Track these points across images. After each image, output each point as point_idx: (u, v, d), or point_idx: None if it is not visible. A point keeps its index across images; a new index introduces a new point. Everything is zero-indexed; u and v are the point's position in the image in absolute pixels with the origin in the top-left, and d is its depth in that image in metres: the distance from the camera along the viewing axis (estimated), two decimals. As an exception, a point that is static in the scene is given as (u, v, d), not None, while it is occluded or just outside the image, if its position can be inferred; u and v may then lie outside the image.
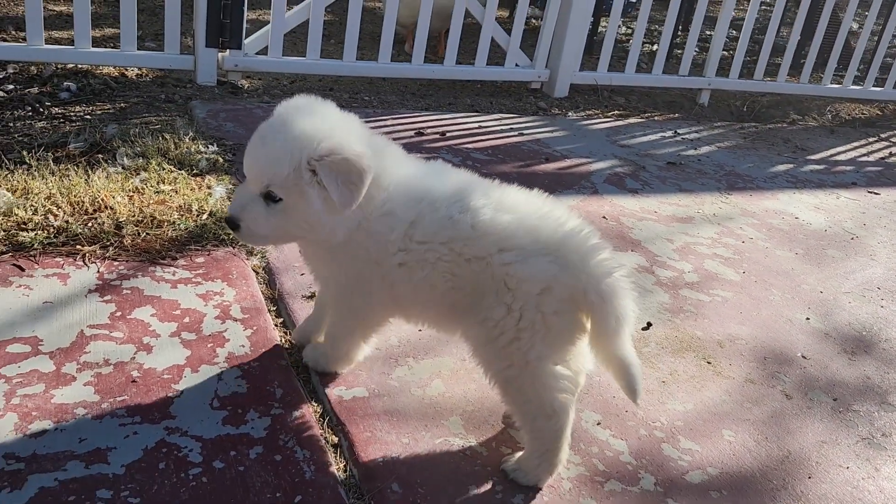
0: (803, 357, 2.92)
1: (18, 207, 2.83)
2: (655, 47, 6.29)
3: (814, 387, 2.75)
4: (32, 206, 2.87)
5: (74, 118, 3.93)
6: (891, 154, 5.84)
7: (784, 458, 2.38)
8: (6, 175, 3.07)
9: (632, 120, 5.60)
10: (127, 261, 2.73)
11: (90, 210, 2.94)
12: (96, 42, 4.48)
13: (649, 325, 2.92)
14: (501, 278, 1.95)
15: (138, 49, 4.45)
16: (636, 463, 2.24)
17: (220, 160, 3.57)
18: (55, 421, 2.02)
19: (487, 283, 1.97)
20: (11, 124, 3.73)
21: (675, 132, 5.43)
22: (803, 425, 2.54)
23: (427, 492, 2.00)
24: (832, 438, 2.50)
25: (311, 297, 2.69)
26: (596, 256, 1.94)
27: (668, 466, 2.25)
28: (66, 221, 2.84)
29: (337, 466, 2.04)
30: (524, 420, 2.07)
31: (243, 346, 2.41)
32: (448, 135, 4.57)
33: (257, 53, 4.75)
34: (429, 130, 4.58)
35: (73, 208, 2.93)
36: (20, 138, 3.56)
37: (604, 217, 3.80)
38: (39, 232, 2.75)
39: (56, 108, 4.02)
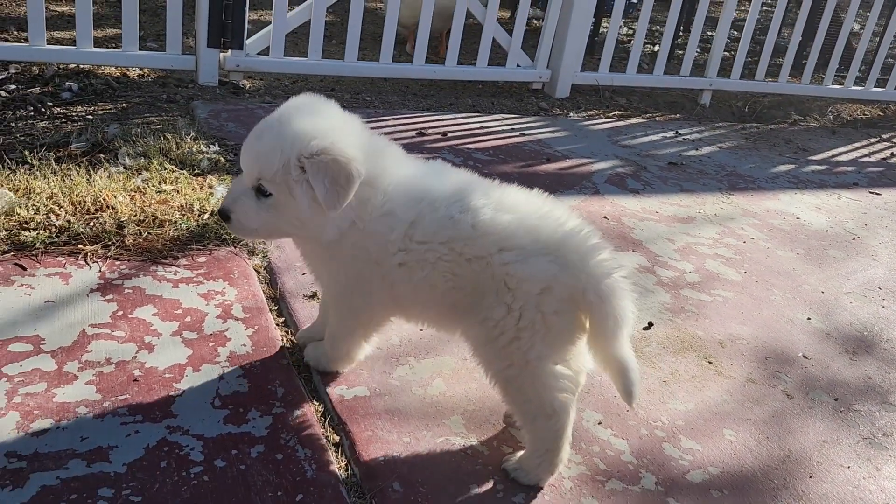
0: (804, 357, 2.92)
1: (20, 207, 2.84)
2: (657, 48, 6.30)
3: (815, 387, 2.75)
4: (34, 205, 2.88)
5: (76, 118, 3.94)
6: (892, 154, 5.84)
7: (785, 457, 2.38)
8: (8, 174, 3.08)
9: (633, 120, 5.60)
10: (128, 260, 2.74)
11: (92, 209, 2.94)
12: (98, 42, 4.48)
13: (650, 324, 2.93)
14: (501, 278, 1.95)
15: (140, 49, 4.46)
16: (637, 462, 2.24)
17: (222, 160, 3.57)
18: (57, 419, 2.02)
19: (488, 282, 1.97)
20: (13, 124, 3.74)
21: (677, 132, 5.43)
22: (804, 425, 2.54)
23: (428, 491, 2.01)
24: (833, 438, 2.50)
25: (313, 296, 2.70)
26: (596, 256, 1.94)
27: (669, 466, 2.25)
28: (68, 221, 2.84)
29: (338, 465, 2.04)
30: (525, 420, 2.07)
31: (245, 346, 2.41)
32: (449, 135, 4.57)
33: (259, 54, 4.75)
34: (430, 131, 4.58)
35: (75, 208, 2.94)
36: (22, 138, 3.56)
37: (605, 217, 3.80)
38: (41, 231, 2.76)
39: (58, 108, 4.03)
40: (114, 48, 4.51)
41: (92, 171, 3.22)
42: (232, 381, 2.26)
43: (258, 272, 2.82)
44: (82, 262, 2.68)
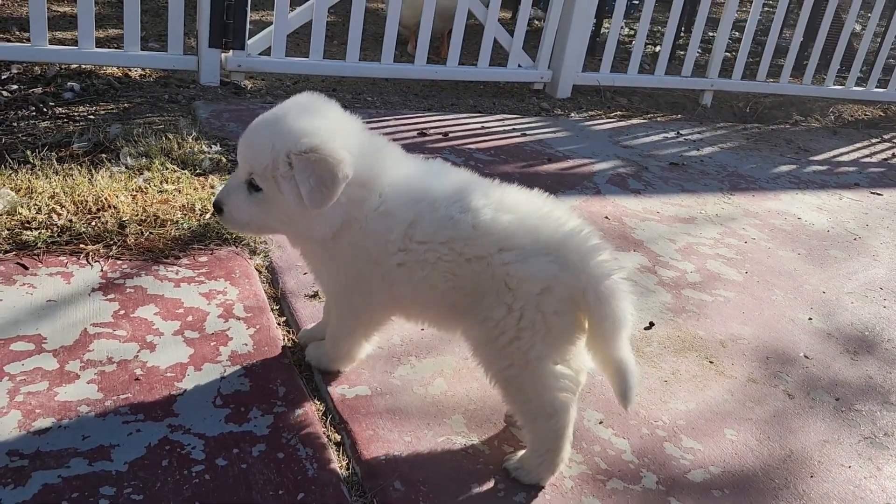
0: (805, 357, 2.92)
1: (22, 206, 2.84)
2: (658, 48, 6.30)
3: (816, 386, 2.75)
4: (36, 205, 2.88)
5: (78, 118, 3.94)
6: (893, 155, 5.84)
7: (786, 457, 2.38)
8: (10, 174, 3.08)
9: (634, 121, 5.60)
10: (130, 260, 2.74)
11: (94, 209, 2.95)
12: (100, 43, 4.49)
13: (652, 324, 2.93)
14: (502, 278, 1.95)
15: (142, 49, 4.46)
16: (638, 462, 2.24)
17: (224, 160, 3.57)
18: (58, 418, 2.02)
19: (488, 282, 1.97)
20: (15, 124, 3.74)
21: (678, 133, 5.43)
22: (805, 425, 2.54)
23: (429, 490, 2.01)
24: (834, 438, 2.50)
25: (314, 296, 2.70)
26: (596, 257, 1.94)
27: (670, 465, 2.25)
28: (70, 220, 2.85)
29: (339, 464, 2.05)
30: (525, 419, 2.07)
31: (246, 345, 2.42)
32: (451, 135, 4.58)
33: (260, 54, 4.76)
34: (431, 131, 4.58)
35: (77, 207, 2.94)
36: (24, 138, 3.57)
37: (606, 217, 3.80)
38: (43, 231, 2.76)
39: (60, 108, 4.04)
40: (115, 48, 4.52)
41: (94, 171, 3.22)
42: (233, 381, 2.26)
43: (260, 272, 2.83)
44: (84, 262, 2.68)
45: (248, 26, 4.56)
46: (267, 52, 4.76)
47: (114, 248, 2.77)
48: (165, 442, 2.01)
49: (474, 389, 2.39)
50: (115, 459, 1.93)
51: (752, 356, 2.86)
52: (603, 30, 7.02)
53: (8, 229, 2.74)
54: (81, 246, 2.74)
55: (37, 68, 4.45)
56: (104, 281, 2.61)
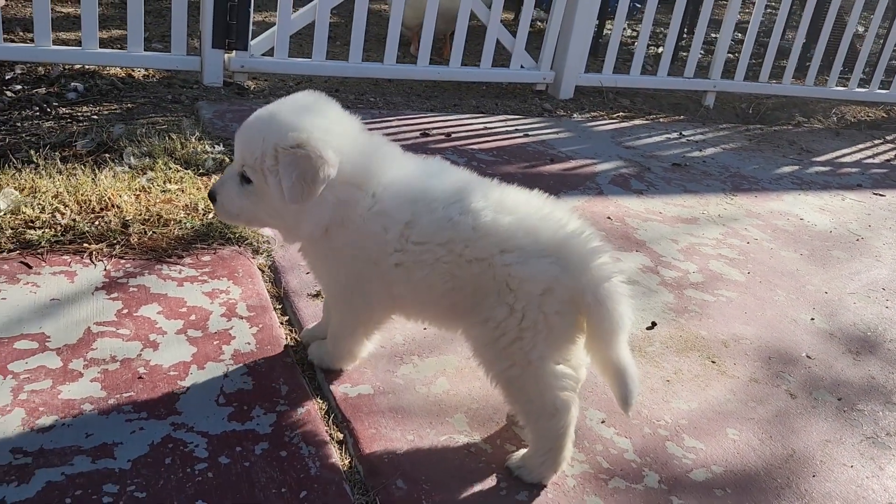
0: (808, 357, 2.92)
1: (26, 206, 2.85)
2: (660, 49, 6.30)
3: (818, 386, 2.75)
4: (40, 204, 2.89)
5: (81, 118, 3.96)
6: (896, 156, 5.85)
7: (788, 456, 2.38)
8: (14, 174, 3.09)
9: (637, 121, 5.60)
10: (133, 259, 2.75)
11: (97, 209, 2.96)
12: (103, 43, 4.50)
13: (654, 324, 2.93)
14: (504, 279, 1.95)
15: (145, 50, 4.48)
16: (640, 461, 2.24)
17: (227, 160, 3.58)
18: (62, 416, 2.03)
19: (489, 284, 1.97)
20: (19, 124, 3.76)
21: (681, 134, 5.43)
22: (808, 424, 2.54)
23: (431, 488, 2.01)
24: (836, 437, 2.50)
25: (317, 295, 2.70)
26: (596, 259, 1.94)
27: (672, 464, 2.25)
28: (74, 220, 2.85)
29: (342, 462, 2.05)
30: (527, 419, 2.07)
31: (249, 344, 2.42)
32: (453, 136, 4.58)
33: (263, 55, 4.77)
34: (434, 131, 4.59)
35: (80, 207, 2.95)
36: (28, 138, 3.58)
37: (609, 218, 3.80)
38: (47, 230, 2.77)
39: (63, 109, 4.05)
40: (119, 49, 4.53)
41: (97, 171, 3.23)
42: (236, 379, 2.27)
43: (262, 271, 2.83)
44: (87, 261, 2.69)
45: (251, 27, 4.57)
46: (270, 52, 4.77)
47: (117, 247, 2.78)
48: (168, 440, 2.01)
49: (476, 388, 2.39)
50: (119, 457, 1.94)
51: (754, 356, 2.86)
52: (605, 31, 7.02)
53: (12, 228, 2.74)
54: (85, 245, 2.75)
55: (41, 69, 4.46)
56: (107, 280, 2.61)
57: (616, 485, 2.14)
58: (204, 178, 3.37)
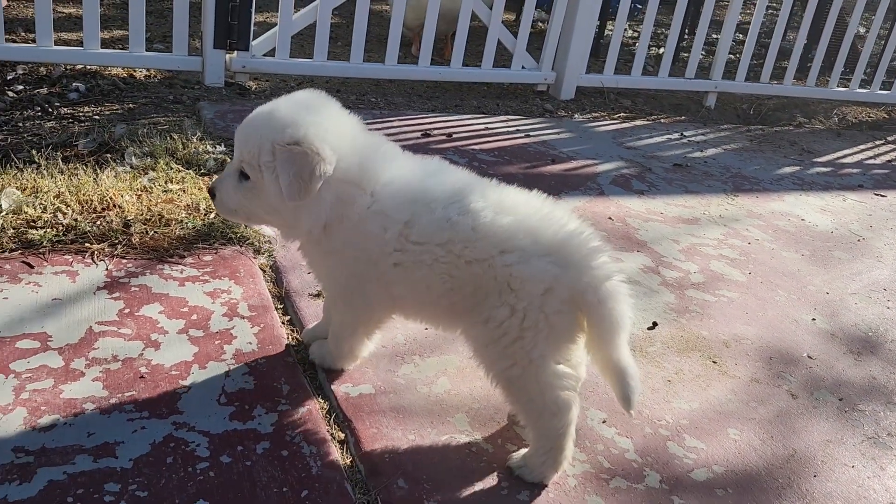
0: (809, 357, 2.92)
1: (28, 206, 2.86)
2: (661, 50, 6.30)
3: (819, 386, 2.75)
4: (42, 204, 2.90)
5: (83, 118, 3.96)
6: (897, 157, 5.84)
7: (789, 456, 2.38)
8: (16, 174, 3.10)
9: (638, 122, 5.60)
10: (135, 258, 2.75)
11: (99, 208, 2.96)
12: (105, 43, 4.51)
13: (655, 324, 2.93)
14: (505, 279, 1.95)
15: (147, 50, 4.48)
16: (641, 460, 2.24)
17: (228, 160, 3.58)
18: (64, 415, 2.03)
19: (490, 284, 1.97)
20: (21, 124, 3.76)
21: (682, 134, 5.44)
22: (809, 424, 2.54)
23: (433, 487, 2.01)
24: (838, 437, 2.50)
25: (318, 295, 2.71)
26: (596, 259, 1.94)
27: (673, 464, 2.25)
28: (75, 219, 2.86)
29: (343, 462, 2.05)
30: (529, 418, 2.07)
31: (250, 343, 2.42)
32: (454, 136, 4.59)
33: (265, 55, 4.77)
34: (435, 132, 4.59)
35: (82, 206, 2.95)
36: (30, 138, 3.58)
37: (610, 218, 3.80)
38: (48, 230, 2.78)
39: (65, 109, 4.05)
40: (121, 49, 4.54)
41: (99, 171, 3.24)
42: (238, 379, 2.27)
43: (264, 271, 2.84)
44: (89, 261, 2.70)
45: (252, 27, 4.57)
46: (271, 53, 4.77)
47: (119, 247, 2.78)
48: (170, 439, 2.02)
49: (478, 388, 2.39)
50: (120, 456, 1.94)
51: (755, 356, 2.86)
52: (606, 32, 7.03)
53: (14, 228, 2.75)
54: (87, 245, 2.76)
55: (42, 69, 4.46)
56: (109, 280, 2.62)
57: (617, 484, 2.14)
58: (205, 178, 3.37)
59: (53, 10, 4.22)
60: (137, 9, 4.29)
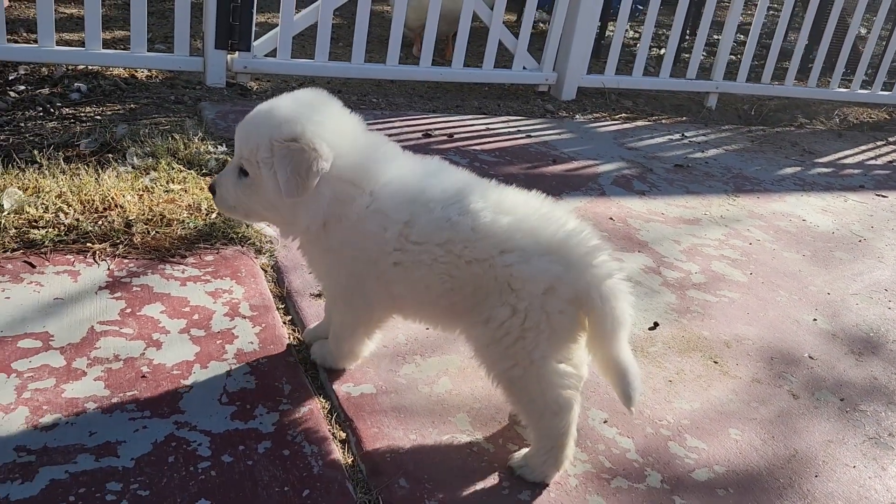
0: (810, 357, 2.92)
1: (30, 205, 2.86)
2: (663, 51, 6.30)
3: (821, 387, 2.75)
4: (43, 204, 2.90)
5: (85, 118, 3.96)
6: (899, 158, 5.84)
7: (791, 456, 2.38)
8: (18, 174, 3.10)
9: (639, 123, 5.60)
10: (137, 258, 2.75)
11: (100, 208, 2.96)
12: (106, 44, 4.52)
13: (656, 324, 2.93)
14: (505, 279, 1.95)
15: (148, 51, 4.48)
16: (643, 460, 2.24)
17: (230, 160, 3.58)
18: (66, 415, 2.03)
19: (490, 284, 1.97)
20: (23, 124, 3.77)
21: (683, 135, 5.44)
22: (810, 425, 2.54)
23: (434, 487, 2.01)
24: (839, 438, 2.50)
25: (319, 295, 2.71)
26: (596, 258, 1.95)
27: (674, 464, 2.25)
28: (77, 219, 2.86)
29: (344, 461, 2.05)
30: (530, 418, 2.07)
31: (252, 343, 2.43)
32: (456, 136, 4.59)
33: (266, 55, 4.78)
34: (437, 132, 4.60)
35: (84, 206, 2.96)
36: (31, 138, 3.59)
37: (611, 218, 3.81)
38: (50, 230, 2.78)
39: (67, 109, 4.06)
40: (122, 50, 4.54)
41: (100, 171, 3.24)
42: (239, 378, 2.27)
43: (265, 271, 2.84)
44: (91, 260, 2.70)
45: (254, 28, 4.58)
46: (273, 53, 4.78)
47: (120, 246, 2.79)
48: (172, 438, 2.02)
49: (479, 388, 2.39)
50: (122, 455, 1.94)
51: (756, 356, 2.86)
52: (608, 32, 7.03)
53: (16, 228, 2.75)
54: (88, 245, 2.76)
55: (44, 69, 4.47)
56: (111, 279, 2.62)
57: (618, 484, 2.14)
58: (207, 178, 3.38)
59: (55, 10, 4.22)
60: (139, 9, 4.29)
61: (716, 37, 7.16)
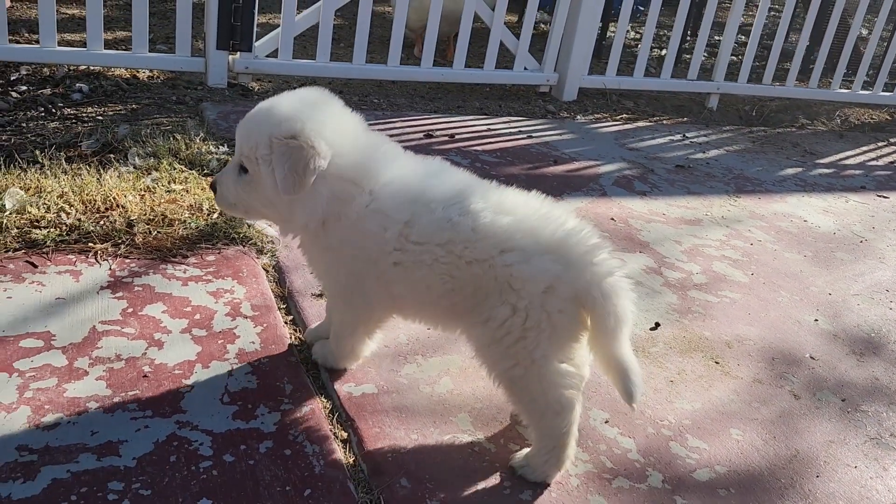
0: (812, 358, 2.92)
1: (31, 205, 2.86)
2: (664, 52, 6.31)
3: (822, 387, 2.75)
4: (45, 204, 2.90)
5: (86, 119, 3.97)
6: (900, 158, 5.84)
7: (792, 457, 2.38)
8: (19, 174, 3.10)
9: (640, 123, 5.61)
10: (138, 258, 2.76)
11: (102, 208, 2.97)
12: (108, 44, 4.52)
13: (657, 325, 2.93)
14: (505, 279, 1.95)
15: (150, 51, 4.49)
16: (644, 460, 2.24)
17: (231, 160, 3.59)
18: (67, 414, 2.04)
19: (490, 284, 1.97)
20: (25, 124, 3.77)
21: (684, 136, 5.44)
22: (811, 425, 2.54)
23: (435, 487, 2.01)
24: (840, 438, 2.50)
25: (321, 295, 2.71)
26: (597, 255, 1.95)
27: (675, 464, 2.25)
28: (79, 219, 2.86)
29: (346, 461, 2.05)
30: (531, 418, 2.07)
31: (253, 343, 2.43)
32: (457, 137, 4.59)
33: (267, 56, 4.78)
34: (438, 133, 4.60)
35: (86, 206, 2.96)
36: (33, 138, 3.59)
37: (612, 219, 3.81)
38: (52, 229, 2.78)
39: (68, 109, 4.06)
40: (124, 50, 4.54)
41: (102, 171, 3.25)
42: (241, 378, 2.27)
43: (267, 271, 2.84)
44: (93, 260, 2.70)
45: (255, 29, 4.58)
46: (274, 54, 4.78)
47: (122, 246, 2.79)
48: (173, 438, 2.02)
49: (480, 388, 2.39)
50: (124, 455, 1.94)
51: (757, 357, 2.86)
52: (609, 33, 7.04)
53: (17, 228, 2.75)
54: (90, 244, 2.76)
55: (46, 70, 4.48)
56: (112, 279, 2.62)
57: (620, 484, 2.14)
58: (208, 178, 3.38)
59: (57, 10, 4.23)
60: (141, 10, 4.29)
61: (717, 38, 7.16)
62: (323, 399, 2.26)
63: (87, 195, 3.01)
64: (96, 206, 2.97)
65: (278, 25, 4.80)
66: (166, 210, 3.02)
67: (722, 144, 5.39)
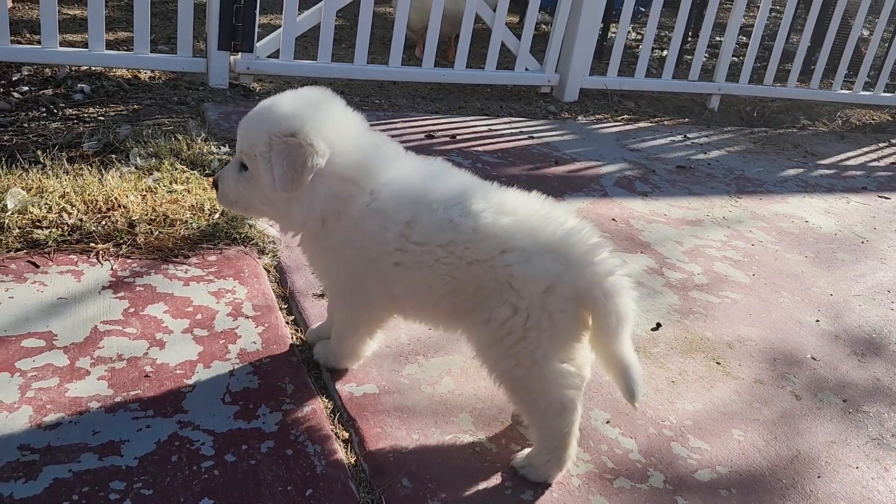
0: (813, 358, 2.92)
1: (33, 206, 2.87)
2: (665, 53, 6.31)
3: (823, 388, 2.75)
4: (47, 204, 2.90)
5: (88, 119, 3.97)
6: (901, 159, 5.84)
7: (793, 457, 2.38)
8: (21, 174, 3.11)
9: (641, 124, 5.61)
10: (140, 258, 2.76)
11: (104, 209, 2.97)
12: (110, 45, 4.51)
13: (659, 325, 2.93)
14: (506, 280, 1.95)
15: (151, 52, 4.49)
16: (645, 461, 2.24)
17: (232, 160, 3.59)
18: (69, 414, 2.04)
19: (491, 285, 1.97)
20: (26, 125, 3.78)
21: (685, 136, 5.44)
22: (813, 426, 2.54)
23: (437, 487, 2.01)
24: (842, 439, 2.50)
25: (322, 295, 2.71)
26: (597, 255, 1.95)
27: (677, 464, 2.25)
28: (80, 219, 2.87)
29: (347, 461, 2.05)
30: (532, 418, 2.07)
31: (255, 343, 2.43)
32: (458, 137, 4.59)
33: (269, 57, 4.78)
34: (439, 133, 4.60)
35: (87, 207, 2.96)
36: (35, 138, 3.60)
37: (613, 219, 3.81)
38: (54, 230, 2.78)
39: (70, 110, 4.07)
40: (125, 51, 4.55)
41: (104, 171, 3.25)
42: (242, 378, 2.28)
43: (268, 271, 2.84)
44: (94, 260, 2.70)
45: (256, 29, 4.59)
46: (275, 54, 4.78)
47: (124, 246, 2.79)
48: (175, 438, 2.02)
49: (481, 388, 2.39)
50: (125, 454, 1.95)
51: (759, 357, 2.86)
52: (610, 34, 7.04)
53: (19, 228, 2.76)
54: (92, 245, 2.76)
55: (47, 70, 4.48)
56: (114, 279, 2.62)
57: (621, 484, 2.14)
58: (209, 178, 3.38)
59: (59, 11, 4.23)
60: (142, 10, 4.30)
61: (718, 38, 7.17)
62: (324, 399, 2.26)
63: (88, 195, 3.01)
64: (98, 207, 2.97)
65: (280, 26, 4.80)
66: (168, 210, 3.03)
67: (723, 145, 5.39)
